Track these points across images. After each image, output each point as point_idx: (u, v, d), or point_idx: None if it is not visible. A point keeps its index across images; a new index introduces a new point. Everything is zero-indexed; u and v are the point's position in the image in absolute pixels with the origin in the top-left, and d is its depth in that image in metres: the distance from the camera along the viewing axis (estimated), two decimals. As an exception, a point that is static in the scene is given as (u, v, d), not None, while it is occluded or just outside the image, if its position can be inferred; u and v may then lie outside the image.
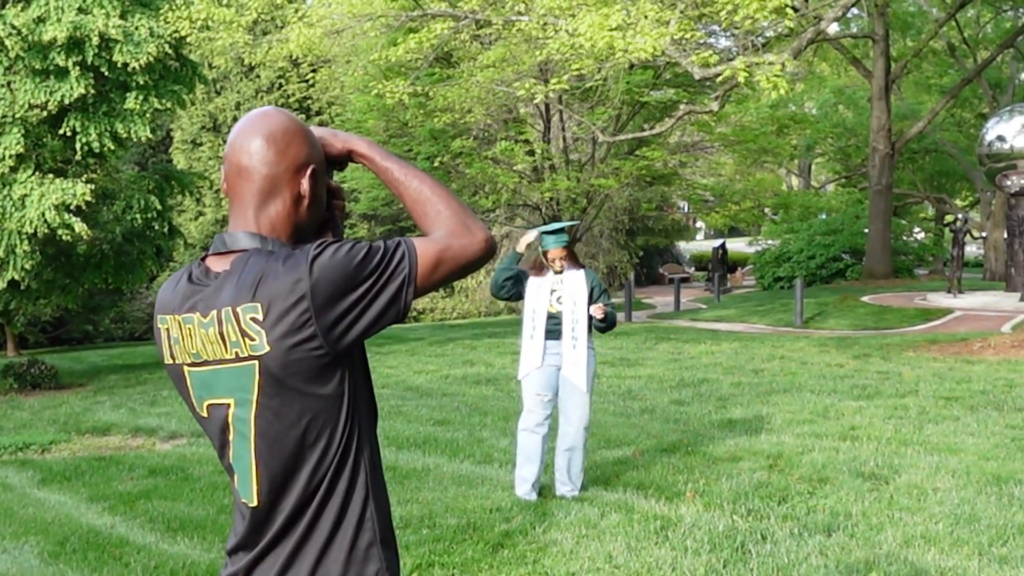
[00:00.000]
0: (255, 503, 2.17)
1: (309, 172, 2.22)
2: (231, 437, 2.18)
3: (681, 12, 15.78)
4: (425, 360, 17.89)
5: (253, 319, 2.06)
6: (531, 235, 7.70)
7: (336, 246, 2.07)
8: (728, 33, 25.29)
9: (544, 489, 7.87)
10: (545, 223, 27.78)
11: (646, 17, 14.80)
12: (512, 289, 7.74)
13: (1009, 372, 14.14)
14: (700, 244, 66.99)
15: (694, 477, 8.24)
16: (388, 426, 11.03)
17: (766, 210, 43.65)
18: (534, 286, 7.71)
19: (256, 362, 2.08)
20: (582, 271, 7.76)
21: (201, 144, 41.21)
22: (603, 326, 7.70)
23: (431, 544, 6.55)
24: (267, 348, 2.06)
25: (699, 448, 9.41)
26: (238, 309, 2.07)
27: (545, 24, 17.20)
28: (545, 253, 7.66)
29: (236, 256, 2.15)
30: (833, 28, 34.06)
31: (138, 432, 12.27)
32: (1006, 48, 38.18)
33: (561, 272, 7.67)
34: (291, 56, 24.28)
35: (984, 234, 41.76)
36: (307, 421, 2.11)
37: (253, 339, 2.07)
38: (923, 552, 6.16)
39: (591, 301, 7.64)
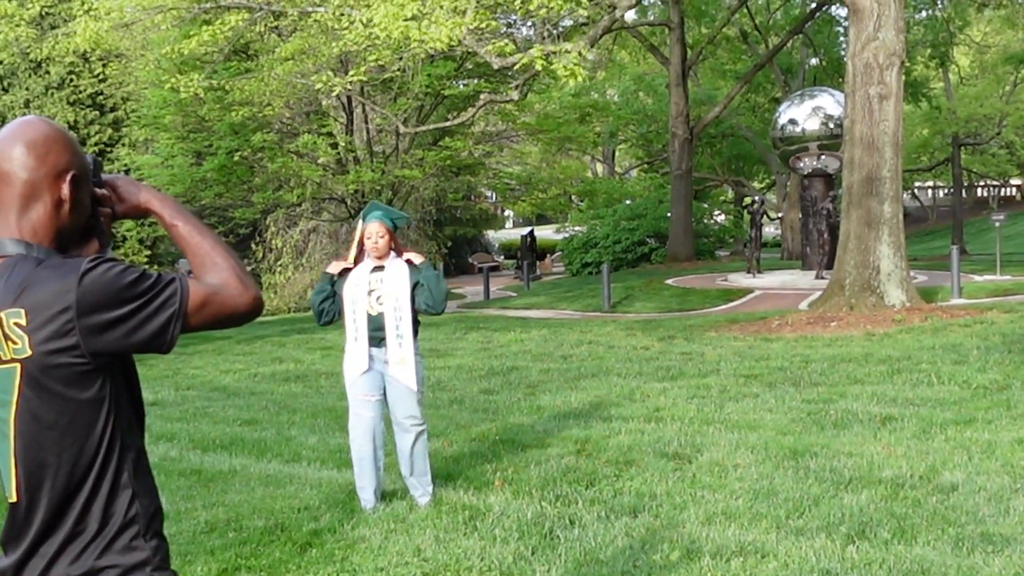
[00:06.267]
0: (15, 499, 2.26)
1: (70, 177, 2.28)
2: None
3: (478, 1, 15.81)
4: (233, 359, 17.53)
5: (17, 324, 2.15)
6: (340, 265, 7.16)
7: (110, 264, 2.18)
8: (528, 23, 25.49)
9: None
10: (351, 217, 27.55)
11: (441, 7, 14.78)
12: (332, 310, 7.16)
13: (805, 348, 14.60)
14: (509, 232, 67.46)
15: (503, 465, 8.25)
16: (193, 428, 10.76)
17: (572, 197, 44.23)
18: (351, 284, 7.09)
19: (18, 365, 2.17)
20: (407, 265, 7.11)
21: (-10, 144, 39.58)
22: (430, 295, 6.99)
23: (237, 547, 6.39)
24: (29, 352, 2.15)
25: (508, 436, 9.43)
26: (2, 313, 2.16)
27: (341, 15, 17.02)
28: (363, 231, 7.05)
29: (2, 262, 2.22)
30: (630, 16, 34.74)
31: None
32: (795, 34, 39.55)
33: (381, 263, 7.07)
34: (80, 51, 23.46)
35: (780, 215, 43.18)
36: (65, 423, 2.20)
37: (16, 343, 2.15)
38: (724, 528, 6.29)
39: (415, 290, 7.06)
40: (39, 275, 2.15)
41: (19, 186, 2.25)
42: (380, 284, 7.05)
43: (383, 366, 7.10)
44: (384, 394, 7.19)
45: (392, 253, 7.15)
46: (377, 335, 7.05)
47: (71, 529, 2.23)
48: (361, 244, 7.13)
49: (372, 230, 7.03)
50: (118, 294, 2.15)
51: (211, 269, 2.32)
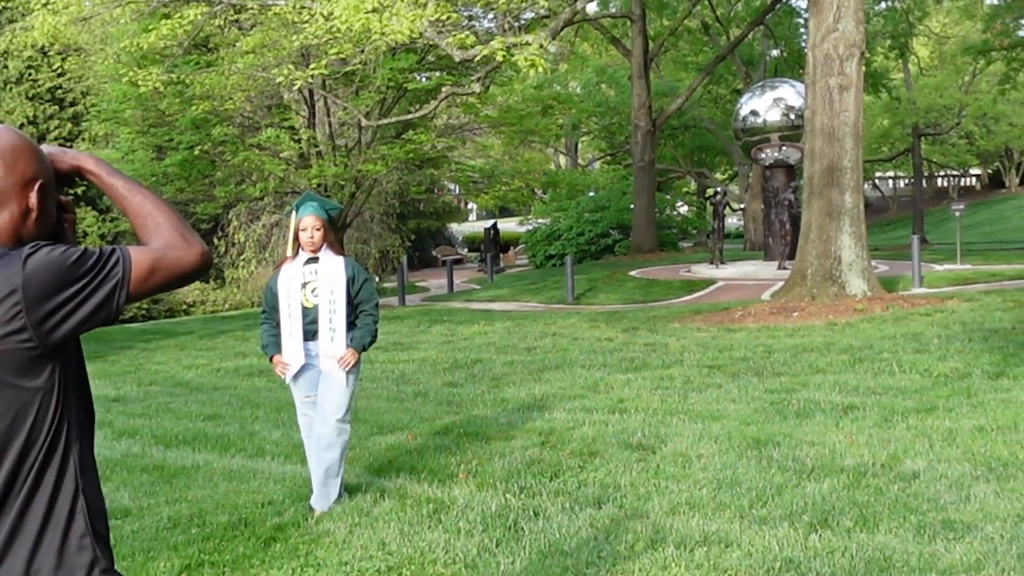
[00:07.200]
0: None
1: (37, 187, 2.32)
2: None
3: (438, -7, 15.80)
4: (195, 354, 17.42)
5: None
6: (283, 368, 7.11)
7: (51, 247, 2.20)
8: (490, 15, 25.45)
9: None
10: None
11: (402, -1, 14.76)
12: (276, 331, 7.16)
13: (768, 338, 14.66)
14: (472, 225, 67.48)
15: (467, 458, 8.24)
16: (156, 424, 10.69)
17: (535, 189, 44.25)
18: (285, 278, 6.97)
19: None
20: (341, 259, 7.00)
21: (-53, 140, 39.09)
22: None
23: (200, 543, 6.35)
24: None
25: (472, 429, 9.42)
26: None
27: (302, 8, 16.95)
28: (298, 224, 6.86)
29: None
30: (592, 8, 34.75)
31: None
32: (756, 25, 39.67)
33: (316, 256, 6.92)
34: (38, 45, 23.22)
35: (743, 206, 43.39)
36: (14, 413, 2.21)
37: None
38: (688, 518, 6.31)
39: (351, 292, 6.95)
40: None
41: None
42: (315, 276, 6.93)
43: (317, 360, 7.00)
44: None
45: (325, 245, 6.99)
46: (311, 328, 6.94)
47: (13, 523, 2.22)
48: (296, 236, 6.96)
49: (307, 223, 6.86)
50: (63, 275, 2.18)
51: (154, 231, 2.35)
